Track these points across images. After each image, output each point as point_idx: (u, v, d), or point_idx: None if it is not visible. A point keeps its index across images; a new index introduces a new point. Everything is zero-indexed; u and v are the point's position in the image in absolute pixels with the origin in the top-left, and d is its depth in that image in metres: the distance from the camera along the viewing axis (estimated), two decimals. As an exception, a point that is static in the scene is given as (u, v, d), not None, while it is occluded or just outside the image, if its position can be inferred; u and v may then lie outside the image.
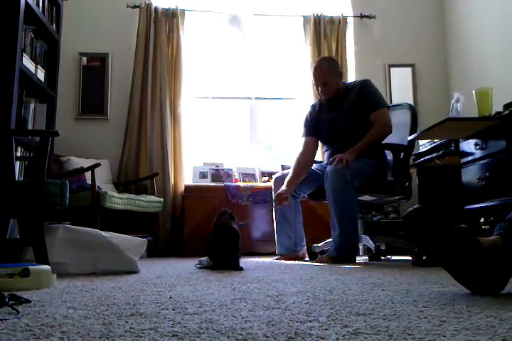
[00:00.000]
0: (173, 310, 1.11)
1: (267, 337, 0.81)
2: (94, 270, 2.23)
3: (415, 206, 1.43)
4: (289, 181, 3.14)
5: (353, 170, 2.85)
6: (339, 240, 2.84)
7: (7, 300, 1.16)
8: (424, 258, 2.58)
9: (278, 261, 3.15)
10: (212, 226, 2.48)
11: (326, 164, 3.10)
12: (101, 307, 1.16)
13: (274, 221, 3.28)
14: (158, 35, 4.59)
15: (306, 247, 3.31)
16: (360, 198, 3.07)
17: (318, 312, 1.07)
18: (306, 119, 3.38)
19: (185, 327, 0.90)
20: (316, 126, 3.30)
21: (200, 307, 1.16)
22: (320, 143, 3.39)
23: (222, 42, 4.96)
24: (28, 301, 1.24)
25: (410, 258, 2.79)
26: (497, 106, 2.97)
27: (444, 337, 0.80)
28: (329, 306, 1.15)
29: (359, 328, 0.87)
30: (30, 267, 1.61)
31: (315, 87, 3.23)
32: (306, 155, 3.28)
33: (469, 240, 1.32)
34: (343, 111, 3.16)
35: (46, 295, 1.41)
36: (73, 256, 2.21)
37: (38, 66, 3.27)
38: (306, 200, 3.50)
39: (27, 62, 3.04)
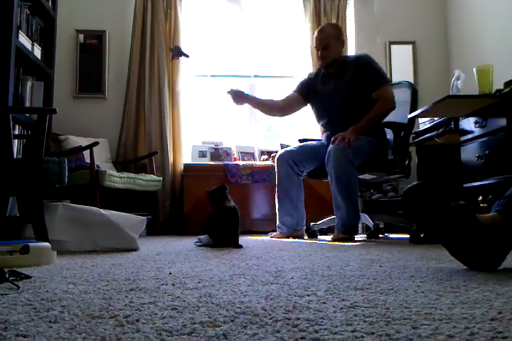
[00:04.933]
0: (172, 285, 1.12)
1: (266, 310, 0.82)
2: (94, 247, 2.24)
3: (414, 183, 1.43)
4: (255, 97, 3.31)
5: (355, 149, 2.84)
6: (344, 218, 2.87)
7: (7, 275, 1.17)
8: (421, 235, 2.60)
9: (275, 238, 3.15)
10: (209, 204, 2.48)
11: (326, 145, 3.08)
12: (101, 283, 1.17)
13: (276, 199, 3.25)
14: (156, 11, 4.52)
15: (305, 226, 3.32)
16: (360, 177, 3.07)
17: (316, 287, 1.08)
18: (301, 81, 3.40)
19: (184, 301, 0.91)
20: (308, 90, 3.29)
21: (199, 282, 1.17)
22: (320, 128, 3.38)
23: (220, 19, 4.89)
24: (28, 277, 1.25)
25: (408, 236, 2.81)
26: (497, 84, 2.95)
27: (441, 310, 0.81)
28: (327, 281, 1.16)
29: (356, 302, 0.88)
30: (30, 244, 1.61)
31: (316, 49, 3.23)
32: (284, 103, 3.33)
33: (467, 216, 1.33)
34: (340, 84, 3.15)
35: (46, 272, 1.42)
36: (73, 234, 2.22)
37: (35, 43, 3.23)
38: (305, 178, 3.49)
39: (23, 39, 3.01)
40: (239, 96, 3.19)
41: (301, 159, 3.19)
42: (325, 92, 3.21)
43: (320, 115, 3.31)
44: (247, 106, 3.35)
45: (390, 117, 3.09)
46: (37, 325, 0.72)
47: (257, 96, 3.39)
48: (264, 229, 4.04)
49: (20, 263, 1.53)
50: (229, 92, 3.18)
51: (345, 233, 2.85)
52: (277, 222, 3.24)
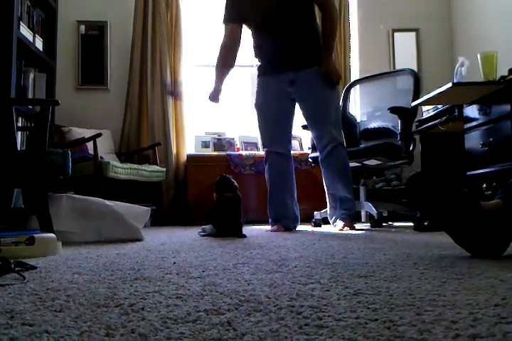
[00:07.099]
0: (176, 274, 1.13)
1: (269, 298, 0.82)
2: (98, 238, 2.25)
3: (418, 171, 1.43)
4: (218, 80, 3.16)
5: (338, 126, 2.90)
6: (351, 209, 2.90)
7: (13, 266, 1.17)
8: (425, 223, 2.60)
9: (274, 232, 3.05)
10: (215, 194, 2.49)
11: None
12: (106, 273, 1.18)
13: (269, 195, 3.07)
14: (157, 1, 4.49)
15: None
16: (365, 162, 3.08)
17: (320, 275, 1.08)
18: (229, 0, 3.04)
19: (188, 289, 0.92)
20: (242, 6, 2.97)
21: (203, 271, 1.17)
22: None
23: (222, 8, 4.85)
24: (33, 268, 1.25)
25: (412, 224, 2.81)
26: (502, 71, 2.93)
27: (445, 296, 0.81)
28: (331, 269, 1.16)
29: (360, 289, 0.88)
30: (35, 235, 1.62)
31: None
32: (232, 49, 3.07)
33: (471, 203, 1.33)
34: None
35: (52, 262, 1.43)
36: (78, 225, 2.23)
37: (36, 35, 3.22)
38: (309, 168, 3.49)
39: (24, 30, 3.00)
40: (216, 98, 3.17)
41: (288, 146, 3.17)
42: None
43: (260, 28, 2.97)
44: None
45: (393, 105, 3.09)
46: (43, 314, 0.72)
47: (217, 73, 3.17)
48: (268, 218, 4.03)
49: (26, 254, 1.54)
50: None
51: (352, 222, 2.87)
52: (272, 217, 3.05)
